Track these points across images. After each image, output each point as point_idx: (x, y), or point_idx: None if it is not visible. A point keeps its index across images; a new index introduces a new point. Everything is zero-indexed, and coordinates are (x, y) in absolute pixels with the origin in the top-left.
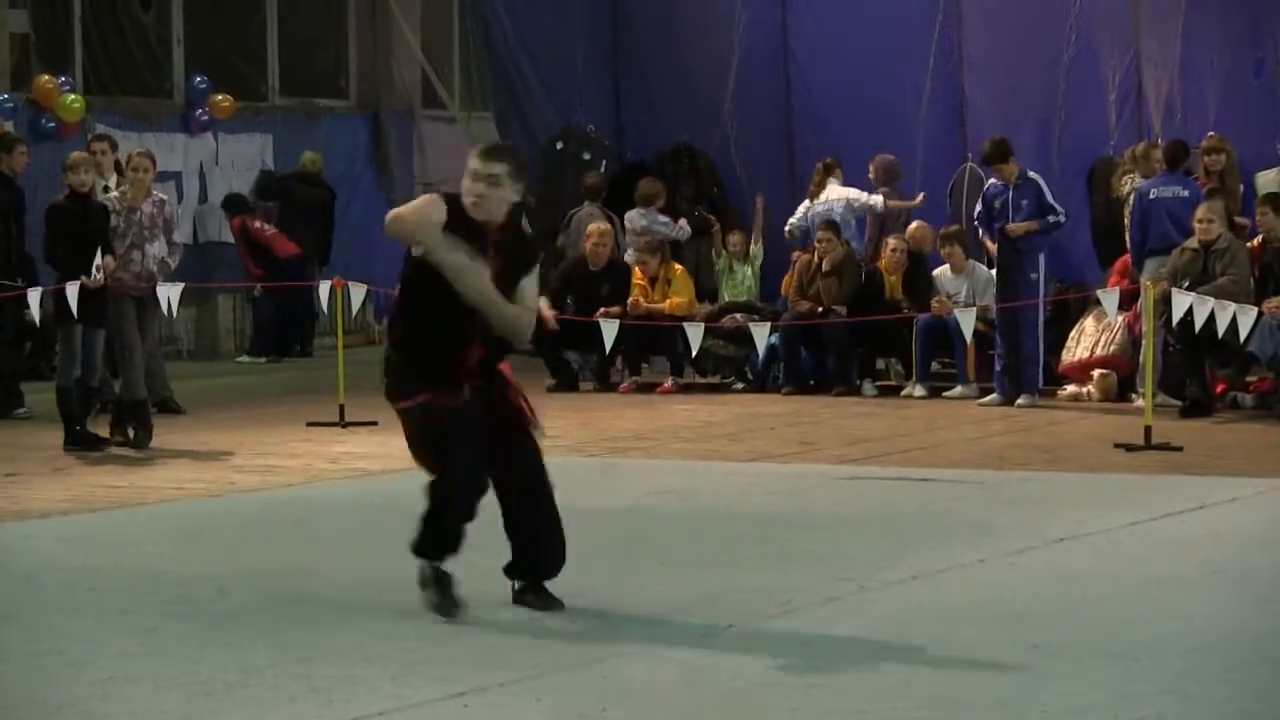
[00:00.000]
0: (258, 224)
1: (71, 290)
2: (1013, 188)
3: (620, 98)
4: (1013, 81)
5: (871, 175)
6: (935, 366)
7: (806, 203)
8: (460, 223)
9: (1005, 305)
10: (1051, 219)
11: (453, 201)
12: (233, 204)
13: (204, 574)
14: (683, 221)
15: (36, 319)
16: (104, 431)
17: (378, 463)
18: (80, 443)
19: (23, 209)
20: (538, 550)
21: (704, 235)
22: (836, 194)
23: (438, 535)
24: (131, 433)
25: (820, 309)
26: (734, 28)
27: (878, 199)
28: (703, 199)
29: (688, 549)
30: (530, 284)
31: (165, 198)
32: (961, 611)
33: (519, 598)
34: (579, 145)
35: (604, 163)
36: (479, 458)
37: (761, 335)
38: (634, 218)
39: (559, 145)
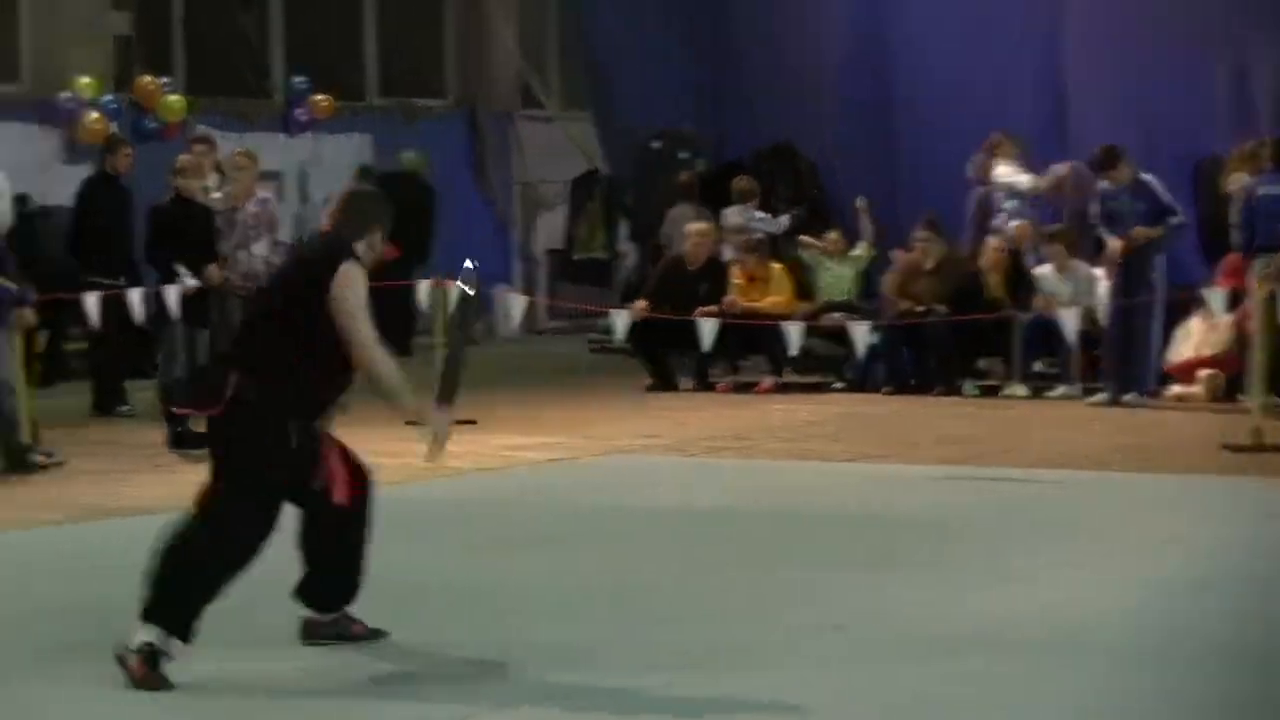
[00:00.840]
0: None
1: (173, 291)
2: (1127, 192)
3: (718, 96)
4: (1117, 78)
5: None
6: (1038, 366)
7: (979, 188)
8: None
9: (1124, 303)
10: (1173, 220)
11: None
12: None
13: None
14: (783, 218)
15: (139, 318)
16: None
17: (473, 461)
18: (182, 441)
19: (129, 209)
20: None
21: (803, 234)
22: (1007, 172)
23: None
24: None
25: (922, 308)
26: (833, 25)
27: (1026, 178)
28: (802, 200)
29: (780, 547)
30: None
31: (269, 196)
32: (1057, 613)
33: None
34: (676, 144)
35: (701, 161)
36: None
37: (861, 334)
38: (731, 215)
39: (656, 144)
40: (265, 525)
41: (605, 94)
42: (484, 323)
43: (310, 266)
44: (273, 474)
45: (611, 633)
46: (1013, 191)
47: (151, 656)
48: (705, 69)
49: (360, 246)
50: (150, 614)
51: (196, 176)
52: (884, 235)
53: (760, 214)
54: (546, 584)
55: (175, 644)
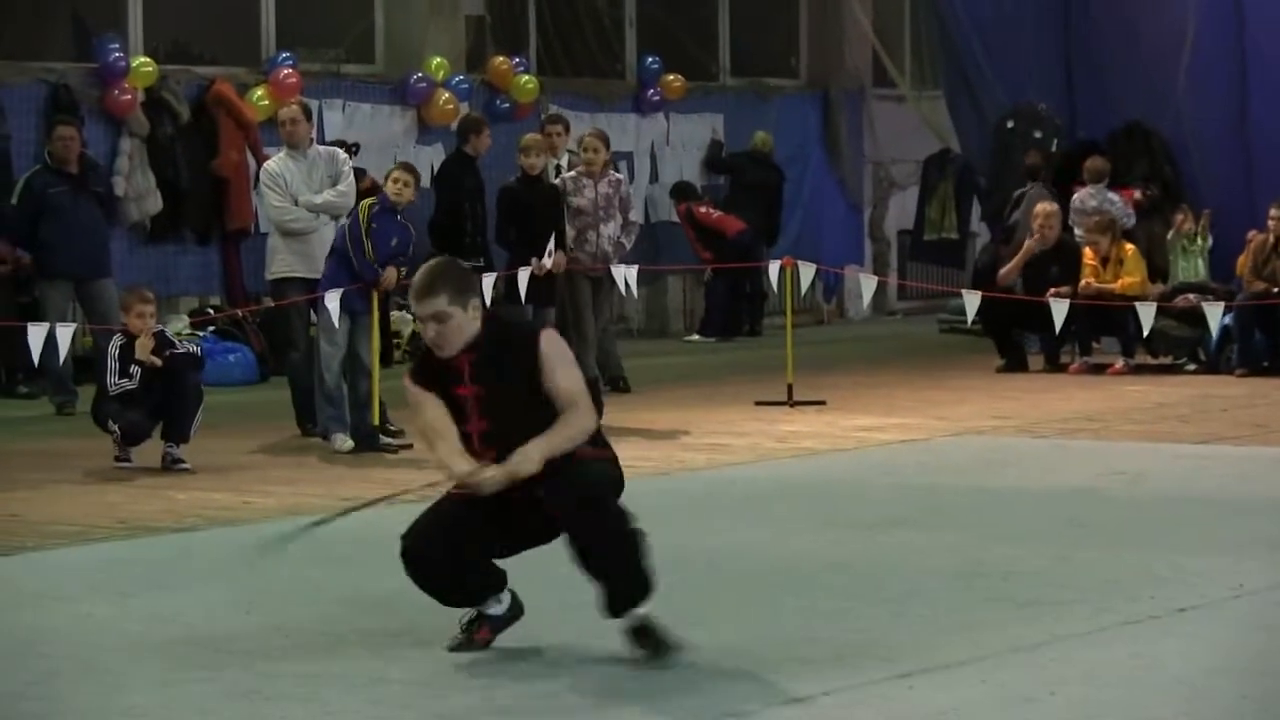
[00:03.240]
0: (703, 209)
1: (522, 274)
2: None
3: (1071, 75)
4: None
5: None
6: None
7: None
8: (436, 372)
9: None
10: None
11: (423, 362)
12: (679, 191)
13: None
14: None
15: (489, 300)
16: None
17: (825, 442)
18: None
19: (484, 190)
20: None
21: (1156, 214)
22: None
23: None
24: None
25: (1276, 289)
26: (1187, 1)
27: None
28: (1155, 178)
29: (1134, 530)
30: (555, 374)
31: (621, 177)
32: None
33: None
34: (1030, 123)
35: (1055, 141)
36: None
37: (1215, 316)
38: (1084, 197)
39: (1010, 124)
40: None
41: (959, 72)
42: (834, 303)
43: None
44: None
45: (960, 615)
46: None
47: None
48: (1059, 47)
49: None
50: (644, 591)
51: (543, 155)
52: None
53: (1115, 196)
54: (896, 565)
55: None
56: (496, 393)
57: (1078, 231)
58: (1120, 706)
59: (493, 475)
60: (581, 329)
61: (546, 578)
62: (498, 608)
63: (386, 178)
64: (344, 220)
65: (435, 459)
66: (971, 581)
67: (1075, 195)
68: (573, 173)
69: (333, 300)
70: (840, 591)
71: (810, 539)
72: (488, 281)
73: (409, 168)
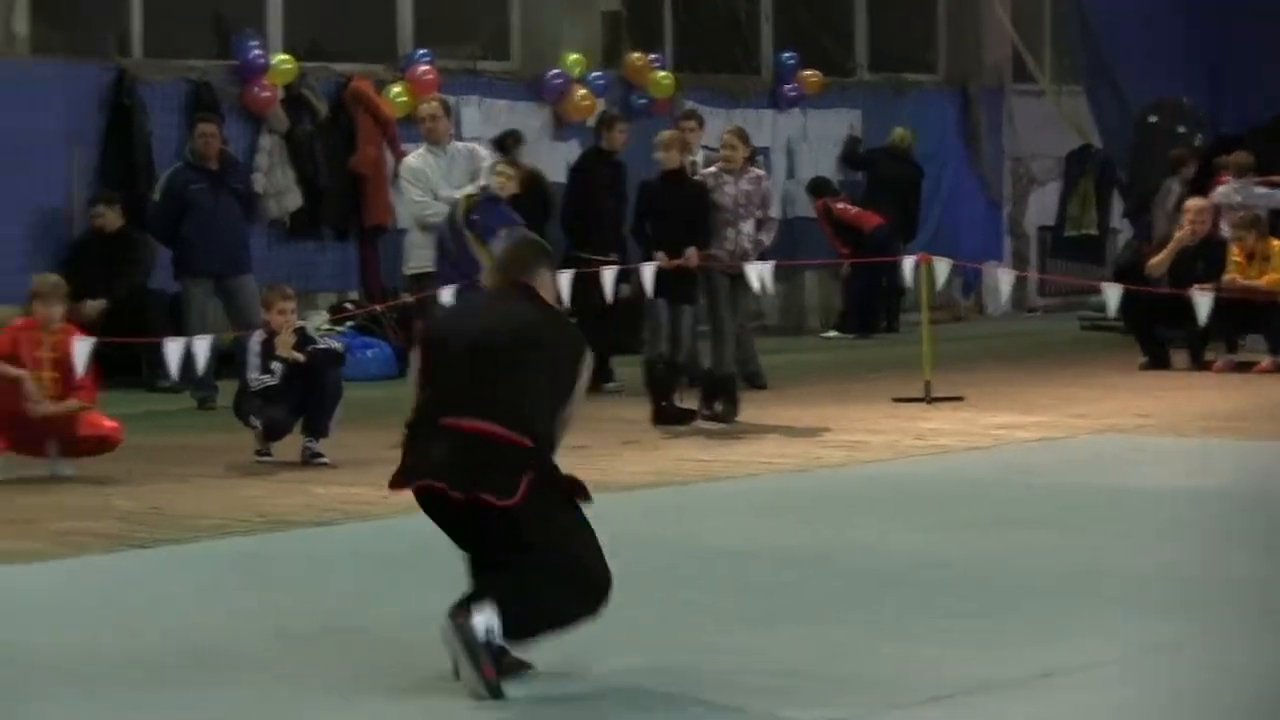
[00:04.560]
0: (840, 205)
1: (648, 268)
2: None
3: (1216, 69)
4: None
5: None
6: None
7: None
8: None
9: None
10: None
11: None
12: (816, 187)
13: (787, 549)
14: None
15: (611, 295)
16: (694, 406)
17: (963, 439)
18: (668, 417)
19: (622, 185)
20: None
21: None
22: None
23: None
24: (719, 407)
25: None
26: None
27: None
28: None
29: (1273, 533)
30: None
31: (762, 173)
32: None
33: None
34: (1173, 118)
35: (1198, 136)
36: None
37: None
38: (1228, 192)
39: (1152, 118)
40: None
41: (1100, 67)
42: (972, 300)
43: None
44: None
45: (1096, 614)
46: None
47: None
48: (1202, 41)
49: None
50: None
51: (676, 151)
52: None
53: (1261, 189)
54: (1032, 564)
55: None
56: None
57: (1224, 227)
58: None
59: None
60: (719, 325)
61: None
62: None
63: (491, 169)
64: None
65: None
66: (1108, 581)
67: (1218, 190)
68: (713, 169)
69: (447, 298)
70: (977, 589)
71: (947, 536)
72: (609, 275)
73: (512, 161)
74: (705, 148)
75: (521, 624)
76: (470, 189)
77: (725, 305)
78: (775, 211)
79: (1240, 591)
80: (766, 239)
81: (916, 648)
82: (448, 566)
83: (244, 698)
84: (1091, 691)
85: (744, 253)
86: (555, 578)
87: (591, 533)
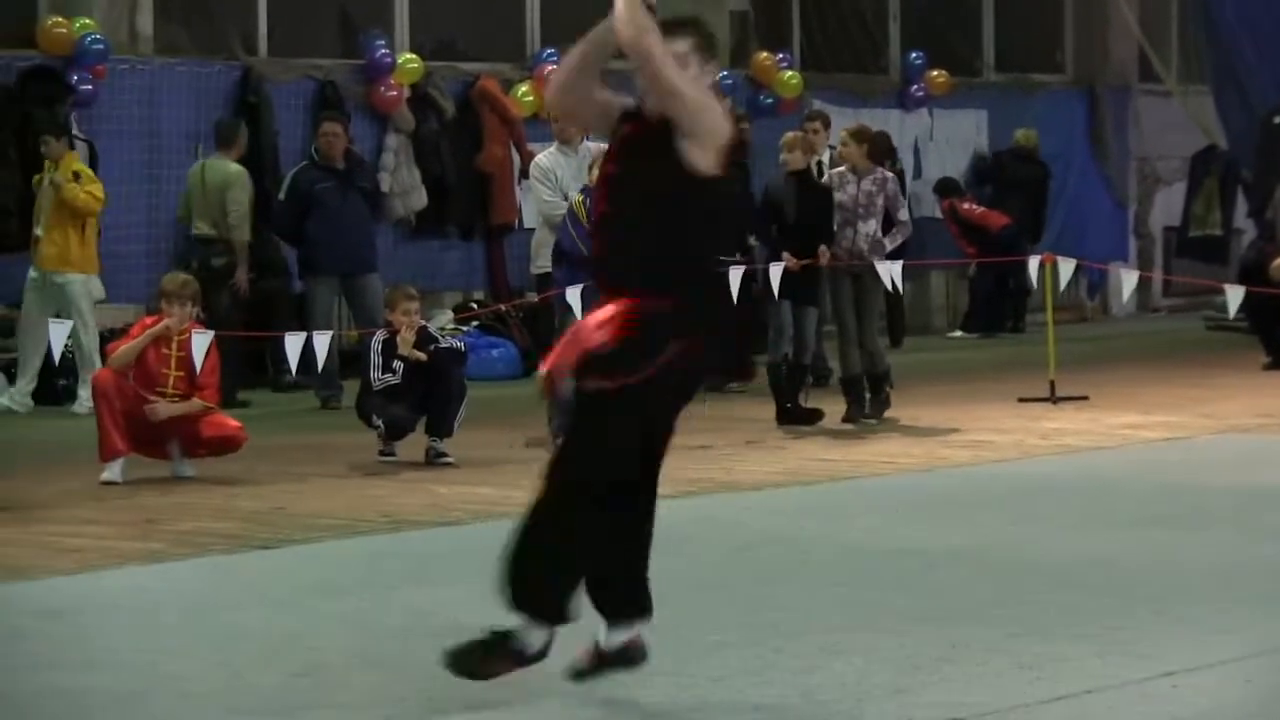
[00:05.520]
0: (966, 205)
1: (776, 269)
2: None
3: None
4: None
5: None
6: None
7: None
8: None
9: None
10: None
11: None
12: (943, 187)
13: (912, 548)
14: None
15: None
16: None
17: (1088, 439)
18: (793, 418)
19: (748, 185)
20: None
21: None
22: None
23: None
24: (857, 409)
25: None
26: None
27: None
28: None
29: None
30: None
31: (889, 175)
32: None
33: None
34: None
35: None
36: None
37: None
38: None
39: (1277, 119)
40: None
41: (1226, 68)
42: (1098, 300)
43: None
44: None
45: (1223, 615)
46: None
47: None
48: None
49: None
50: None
51: (799, 152)
52: None
53: None
54: (1157, 563)
55: None
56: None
57: None
58: None
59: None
60: (841, 325)
61: None
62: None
63: (590, 168)
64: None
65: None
66: (1233, 581)
67: None
68: (841, 169)
69: (574, 299)
70: (1101, 588)
71: (1072, 536)
72: (733, 276)
73: None
74: (831, 147)
75: None
76: (576, 193)
77: (848, 305)
78: (904, 215)
79: None
80: (890, 242)
81: (1051, 646)
82: None
83: (363, 697)
84: (1257, 686)
85: (860, 253)
86: None
87: None
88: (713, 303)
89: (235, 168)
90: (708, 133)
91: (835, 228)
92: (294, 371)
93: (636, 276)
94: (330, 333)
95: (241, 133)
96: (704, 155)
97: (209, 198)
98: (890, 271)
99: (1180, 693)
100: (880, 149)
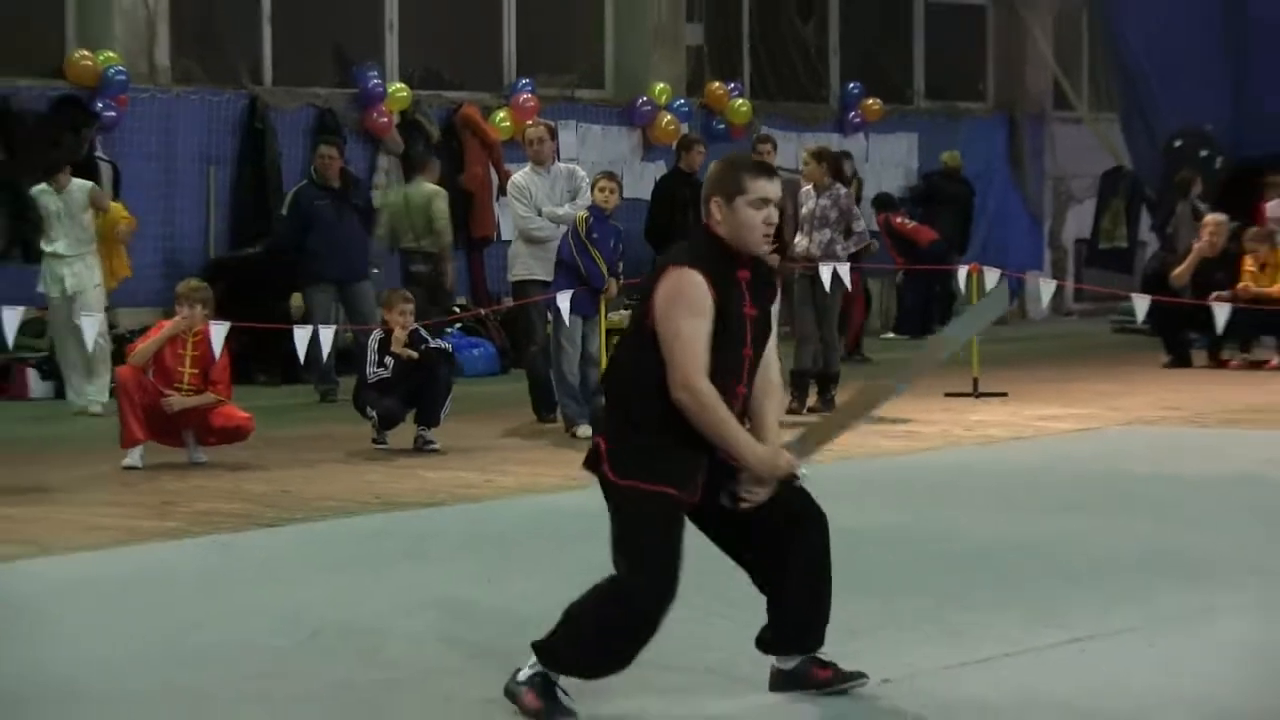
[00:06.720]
0: (899, 219)
1: None
2: None
3: (1237, 96)
4: None
5: None
6: None
7: None
8: (720, 280)
9: None
10: None
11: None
12: (879, 202)
13: (850, 527)
14: None
15: None
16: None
17: (1008, 430)
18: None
19: (697, 201)
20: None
21: None
22: None
23: (605, 648)
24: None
25: None
26: None
27: None
28: None
29: None
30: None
31: (844, 190)
32: None
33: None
34: (1197, 143)
35: (1218, 160)
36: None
37: None
38: (1274, 207)
39: (1177, 143)
40: None
41: (1132, 96)
42: (1016, 305)
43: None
44: None
45: (1134, 588)
46: None
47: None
48: (1224, 69)
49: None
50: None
51: None
52: None
53: None
54: (1076, 544)
55: None
56: (761, 320)
57: None
58: None
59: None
60: (799, 323)
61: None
62: None
63: (593, 187)
64: (565, 233)
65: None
66: (1140, 558)
67: (1269, 205)
68: (807, 186)
69: (564, 304)
70: (1021, 564)
71: (995, 517)
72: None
73: (611, 175)
74: (779, 168)
75: None
76: (581, 208)
77: (803, 304)
78: (860, 225)
79: (1261, 566)
80: (842, 250)
81: (976, 615)
82: (546, 545)
83: (353, 664)
84: (1159, 650)
85: (815, 257)
86: None
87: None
88: None
89: (433, 186)
90: None
91: (795, 237)
92: (303, 359)
93: None
94: (334, 326)
95: (433, 160)
96: None
97: (413, 216)
98: (836, 269)
99: (1087, 656)
100: (837, 167)
